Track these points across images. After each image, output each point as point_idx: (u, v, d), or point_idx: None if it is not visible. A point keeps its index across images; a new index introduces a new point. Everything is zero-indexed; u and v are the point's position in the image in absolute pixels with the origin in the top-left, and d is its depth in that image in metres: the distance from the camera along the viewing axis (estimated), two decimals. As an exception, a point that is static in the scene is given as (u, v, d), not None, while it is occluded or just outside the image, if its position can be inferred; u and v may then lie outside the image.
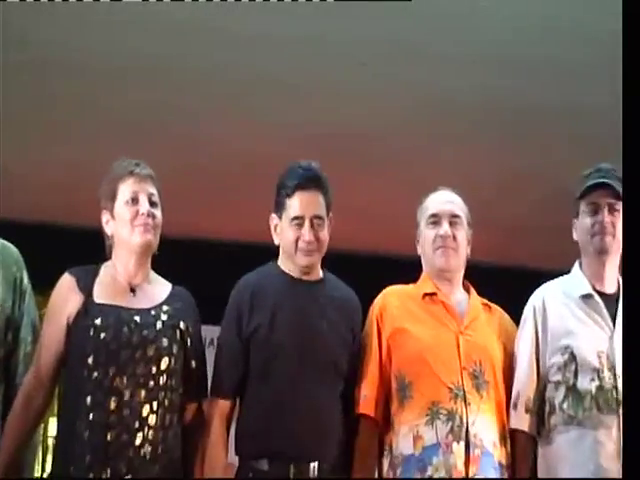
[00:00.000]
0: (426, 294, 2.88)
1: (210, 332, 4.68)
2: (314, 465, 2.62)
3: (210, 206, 5.12)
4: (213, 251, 5.48)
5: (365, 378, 2.78)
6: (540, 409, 2.81)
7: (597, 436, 2.68)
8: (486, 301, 2.98)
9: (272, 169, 4.55)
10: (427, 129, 4.41)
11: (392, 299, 2.89)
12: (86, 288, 2.67)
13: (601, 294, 2.86)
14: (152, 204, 2.70)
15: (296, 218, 2.74)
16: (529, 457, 2.78)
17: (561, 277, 3.01)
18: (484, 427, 2.69)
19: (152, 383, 2.57)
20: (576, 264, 2.98)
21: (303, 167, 2.80)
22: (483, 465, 2.63)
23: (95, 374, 2.55)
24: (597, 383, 2.73)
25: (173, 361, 2.63)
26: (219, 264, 5.19)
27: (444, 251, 2.88)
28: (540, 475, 2.77)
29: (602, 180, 2.83)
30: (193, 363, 2.70)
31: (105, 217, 2.72)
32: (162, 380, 2.59)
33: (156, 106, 4.24)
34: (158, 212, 2.71)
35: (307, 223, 2.74)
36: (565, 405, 2.75)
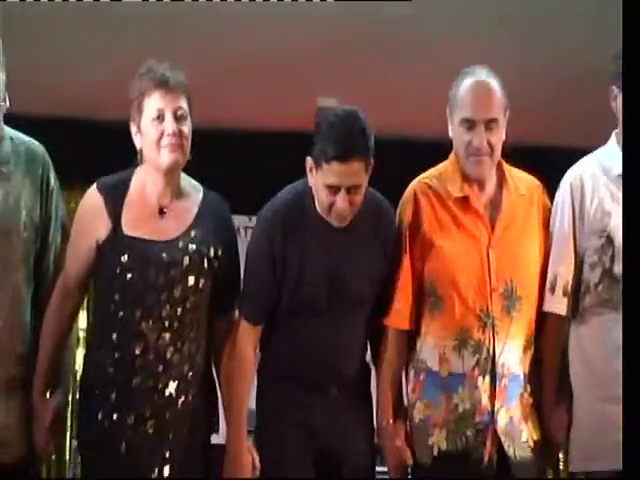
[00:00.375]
0: (457, 198, 2.72)
1: (240, 221, 4.90)
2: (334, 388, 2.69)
3: (238, 96, 5.08)
4: (240, 141, 5.45)
5: (398, 290, 2.72)
6: (576, 290, 2.74)
7: None
8: (523, 183, 2.81)
9: (303, 59, 4.68)
10: (454, 14, 4.36)
11: (422, 203, 2.74)
12: (115, 212, 2.62)
13: None
14: (179, 119, 2.60)
15: (331, 187, 2.57)
16: (562, 340, 2.75)
17: (598, 151, 2.86)
18: (512, 352, 2.65)
19: (177, 324, 2.57)
20: (613, 136, 2.81)
21: (344, 130, 2.56)
22: (509, 394, 2.63)
23: (121, 314, 2.56)
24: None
25: (200, 298, 2.62)
26: (247, 154, 5.23)
27: (478, 160, 2.71)
28: (572, 357, 2.74)
29: None
30: (224, 284, 2.68)
31: (133, 129, 2.66)
32: (188, 318, 2.59)
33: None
34: (186, 126, 2.62)
35: (343, 192, 2.57)
36: (600, 287, 2.68)
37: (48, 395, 2.70)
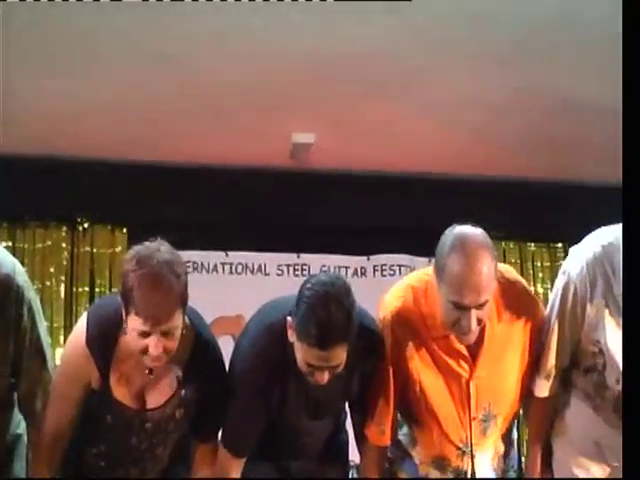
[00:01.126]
0: (439, 337, 2.69)
1: (217, 257, 5.00)
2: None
3: (211, 132, 5.06)
4: (216, 176, 5.51)
5: (381, 411, 2.73)
6: (565, 377, 2.81)
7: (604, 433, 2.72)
8: (502, 302, 2.73)
9: (276, 93, 4.58)
10: (435, 49, 4.36)
11: (399, 336, 2.70)
12: (104, 364, 2.53)
13: None
14: (166, 335, 2.40)
15: (310, 366, 2.52)
16: (548, 416, 2.84)
17: (609, 239, 2.75)
18: (487, 465, 2.75)
19: (160, 466, 2.65)
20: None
21: (326, 317, 2.46)
22: None
23: (102, 463, 2.61)
24: (620, 389, 2.67)
25: (183, 441, 2.65)
26: (223, 190, 5.29)
27: (465, 334, 2.63)
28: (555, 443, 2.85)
29: None
30: (208, 415, 2.64)
31: (122, 309, 2.45)
32: (172, 454, 2.65)
33: (155, 34, 4.20)
34: (172, 341, 2.43)
35: (325, 372, 2.51)
36: (591, 390, 2.77)
37: None
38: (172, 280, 2.32)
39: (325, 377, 2.52)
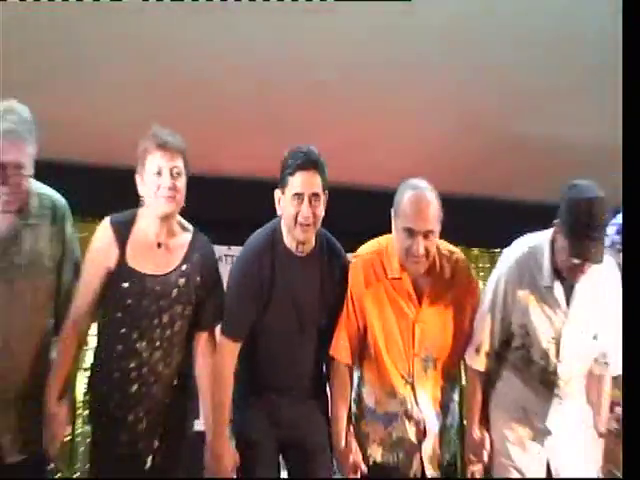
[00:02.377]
0: (393, 278, 3.04)
1: (220, 250, 5.05)
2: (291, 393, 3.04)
3: (219, 144, 5.17)
4: (224, 186, 5.69)
5: (342, 330, 3.08)
6: (498, 353, 3.13)
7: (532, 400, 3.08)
8: (449, 264, 3.06)
9: (276, 109, 4.66)
10: (399, 61, 4.42)
11: (364, 277, 3.04)
12: (122, 244, 2.94)
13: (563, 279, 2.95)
14: (175, 175, 2.89)
15: (297, 195, 2.92)
16: (481, 387, 3.16)
17: (534, 242, 3.03)
18: (429, 401, 3.06)
19: (166, 344, 2.96)
20: (549, 237, 2.96)
21: (304, 151, 2.97)
22: (430, 432, 3.09)
23: (122, 330, 2.95)
24: (543, 363, 3.04)
25: (185, 321, 2.99)
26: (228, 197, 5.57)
27: (416, 261, 2.99)
28: (490, 409, 3.18)
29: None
30: (207, 307, 3.03)
31: (138, 179, 2.97)
32: (176, 339, 2.98)
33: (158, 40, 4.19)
34: (180, 182, 2.92)
35: (306, 200, 2.94)
36: (520, 365, 3.10)
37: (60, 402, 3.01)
38: None
39: (309, 210, 2.90)
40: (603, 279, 2.96)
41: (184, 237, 3.05)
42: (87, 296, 2.98)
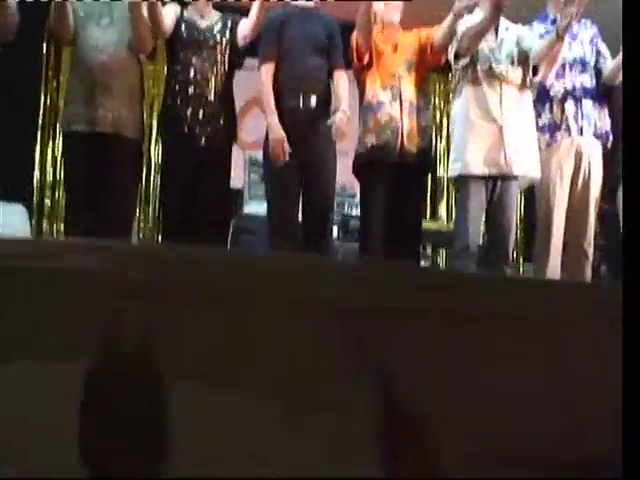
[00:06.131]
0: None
1: None
2: (314, 97, 3.61)
3: None
4: None
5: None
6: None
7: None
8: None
9: None
10: None
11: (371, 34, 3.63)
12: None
13: None
14: None
15: None
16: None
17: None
18: (410, 89, 3.66)
19: (210, 74, 3.57)
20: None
21: None
22: (409, 114, 3.63)
23: (180, 55, 3.57)
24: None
25: (226, 56, 3.61)
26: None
27: None
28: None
29: None
30: (240, 41, 3.64)
31: None
32: (220, 70, 3.59)
33: None
34: None
35: None
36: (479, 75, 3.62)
37: None
38: None
39: None
40: None
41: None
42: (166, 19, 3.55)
